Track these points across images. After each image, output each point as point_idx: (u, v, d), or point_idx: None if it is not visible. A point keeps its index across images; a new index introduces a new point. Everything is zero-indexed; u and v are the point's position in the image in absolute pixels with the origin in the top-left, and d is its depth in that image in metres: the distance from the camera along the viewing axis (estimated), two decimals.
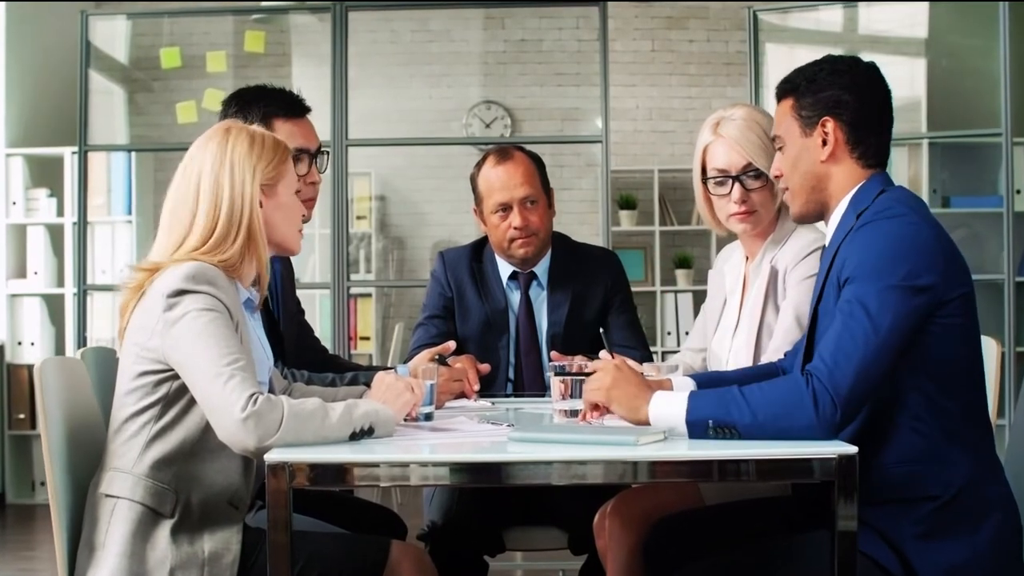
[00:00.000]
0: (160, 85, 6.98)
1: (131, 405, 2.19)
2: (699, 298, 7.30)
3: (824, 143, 2.27)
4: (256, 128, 2.36)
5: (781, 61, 5.63)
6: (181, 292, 2.14)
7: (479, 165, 3.23)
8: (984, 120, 5.44)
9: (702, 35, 7.68)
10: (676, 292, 7.40)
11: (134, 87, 6.95)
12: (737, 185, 2.69)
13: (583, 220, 7.14)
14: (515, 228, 3.15)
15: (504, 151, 3.22)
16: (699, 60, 7.67)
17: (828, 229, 2.32)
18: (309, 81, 6.38)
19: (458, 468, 1.98)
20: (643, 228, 7.42)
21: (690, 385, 2.37)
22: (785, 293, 2.66)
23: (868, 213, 2.19)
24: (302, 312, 3.13)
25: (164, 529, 2.15)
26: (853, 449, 1.93)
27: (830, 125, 2.26)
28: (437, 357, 2.93)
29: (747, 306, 2.75)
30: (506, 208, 3.15)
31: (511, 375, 3.23)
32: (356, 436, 2.12)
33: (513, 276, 3.26)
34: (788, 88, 2.33)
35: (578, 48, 7.52)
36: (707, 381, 2.41)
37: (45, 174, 6.46)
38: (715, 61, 7.66)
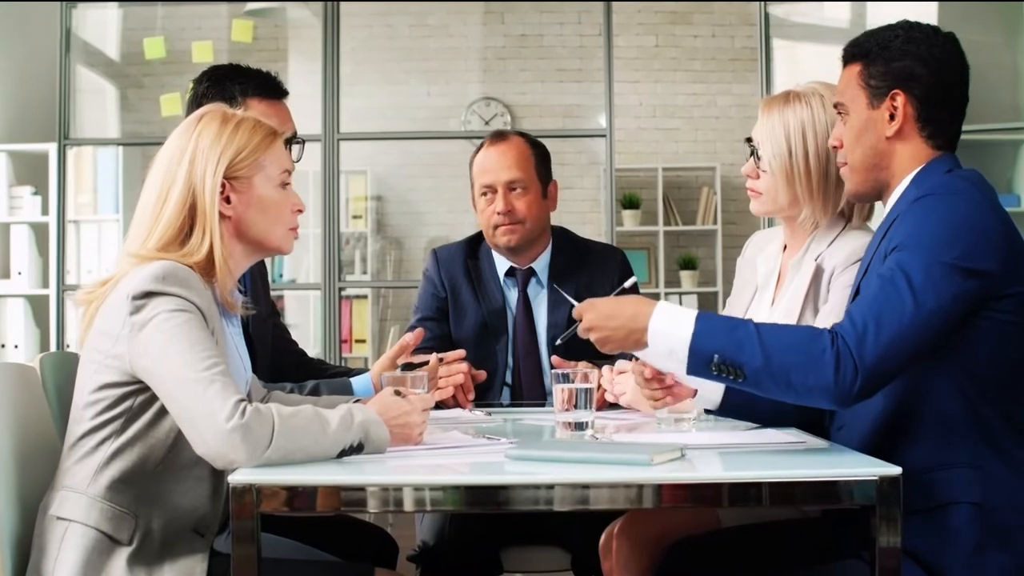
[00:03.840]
0: (152, 81, 6.81)
1: (89, 419, 1.97)
2: (704, 300, 7.19)
3: (892, 118, 2.09)
4: (236, 112, 2.14)
5: (785, 58, 5.53)
6: (148, 294, 1.93)
7: (477, 149, 3.11)
8: (996, 117, 5.30)
9: (707, 31, 7.54)
10: (680, 294, 7.28)
11: (125, 83, 6.78)
12: (752, 159, 2.50)
13: (585, 220, 7.02)
14: (497, 213, 3.00)
15: (501, 133, 3.12)
16: (704, 56, 7.53)
17: (885, 210, 2.13)
18: (305, 77, 6.22)
19: (453, 492, 1.76)
20: (647, 228, 7.31)
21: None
22: (827, 297, 2.41)
23: (927, 189, 2.01)
24: (277, 314, 2.93)
25: (120, 558, 1.93)
26: (896, 470, 1.72)
27: (900, 99, 2.08)
28: (401, 364, 2.60)
29: (781, 302, 2.49)
30: (491, 191, 3.02)
31: (508, 379, 3.05)
32: (344, 452, 1.89)
33: (510, 273, 3.07)
34: (857, 52, 2.14)
35: (580, 44, 7.38)
36: None
37: (29, 171, 6.27)
38: (720, 57, 7.51)
